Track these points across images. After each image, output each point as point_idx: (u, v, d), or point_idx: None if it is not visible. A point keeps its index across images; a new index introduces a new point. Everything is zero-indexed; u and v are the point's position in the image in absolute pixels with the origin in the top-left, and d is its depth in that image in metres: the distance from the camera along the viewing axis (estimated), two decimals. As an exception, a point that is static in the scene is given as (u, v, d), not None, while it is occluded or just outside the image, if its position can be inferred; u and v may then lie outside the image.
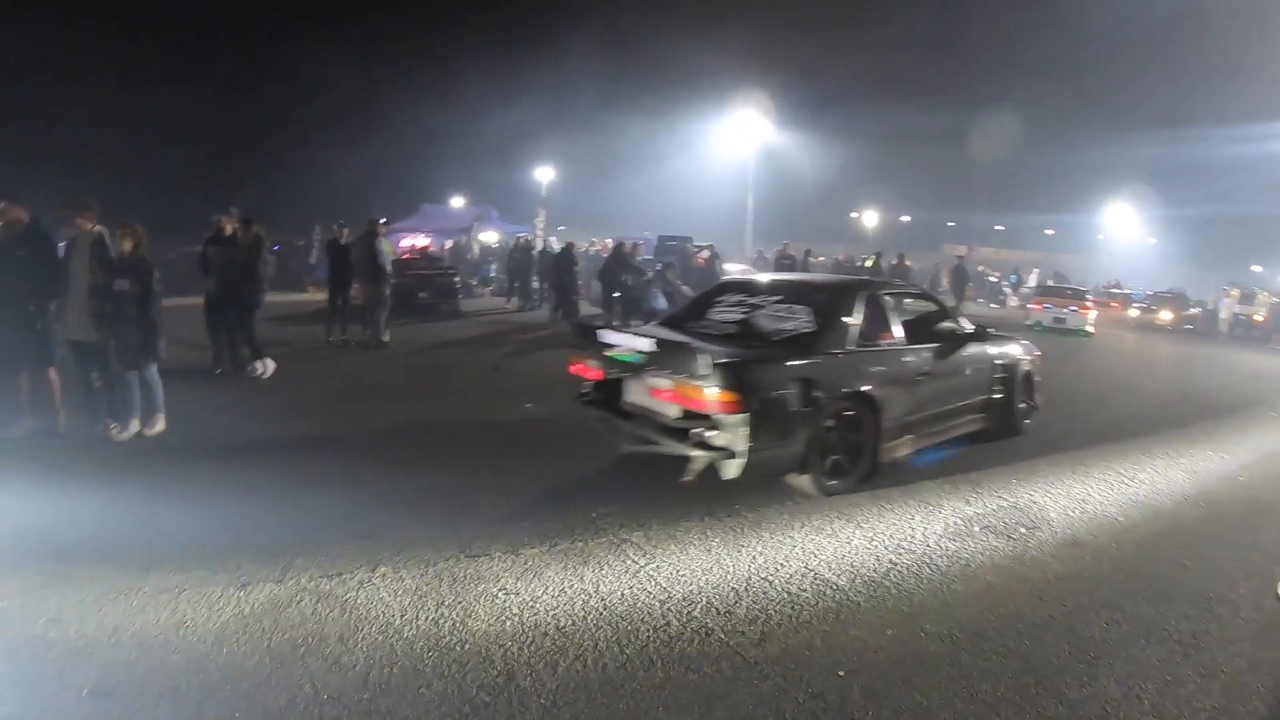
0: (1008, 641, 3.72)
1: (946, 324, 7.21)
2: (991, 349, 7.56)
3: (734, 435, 5.03)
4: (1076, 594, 4.25)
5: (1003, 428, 7.64)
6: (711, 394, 4.99)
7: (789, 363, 5.40)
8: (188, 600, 3.89)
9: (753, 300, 6.40)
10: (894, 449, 6.09)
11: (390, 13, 75.37)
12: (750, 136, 35.71)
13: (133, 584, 4.04)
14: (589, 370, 6.13)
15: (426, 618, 3.79)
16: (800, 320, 5.91)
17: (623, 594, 4.07)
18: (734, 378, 5.00)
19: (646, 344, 5.43)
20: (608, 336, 5.90)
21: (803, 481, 5.53)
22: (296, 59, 67.94)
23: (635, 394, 5.84)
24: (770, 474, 5.37)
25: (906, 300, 7.44)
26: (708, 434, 5.13)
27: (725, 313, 6.38)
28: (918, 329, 6.93)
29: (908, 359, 6.32)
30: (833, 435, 5.60)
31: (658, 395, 5.49)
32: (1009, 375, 7.70)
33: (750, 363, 5.25)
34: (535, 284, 21.22)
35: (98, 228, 6.87)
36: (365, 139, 57.89)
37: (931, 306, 7.62)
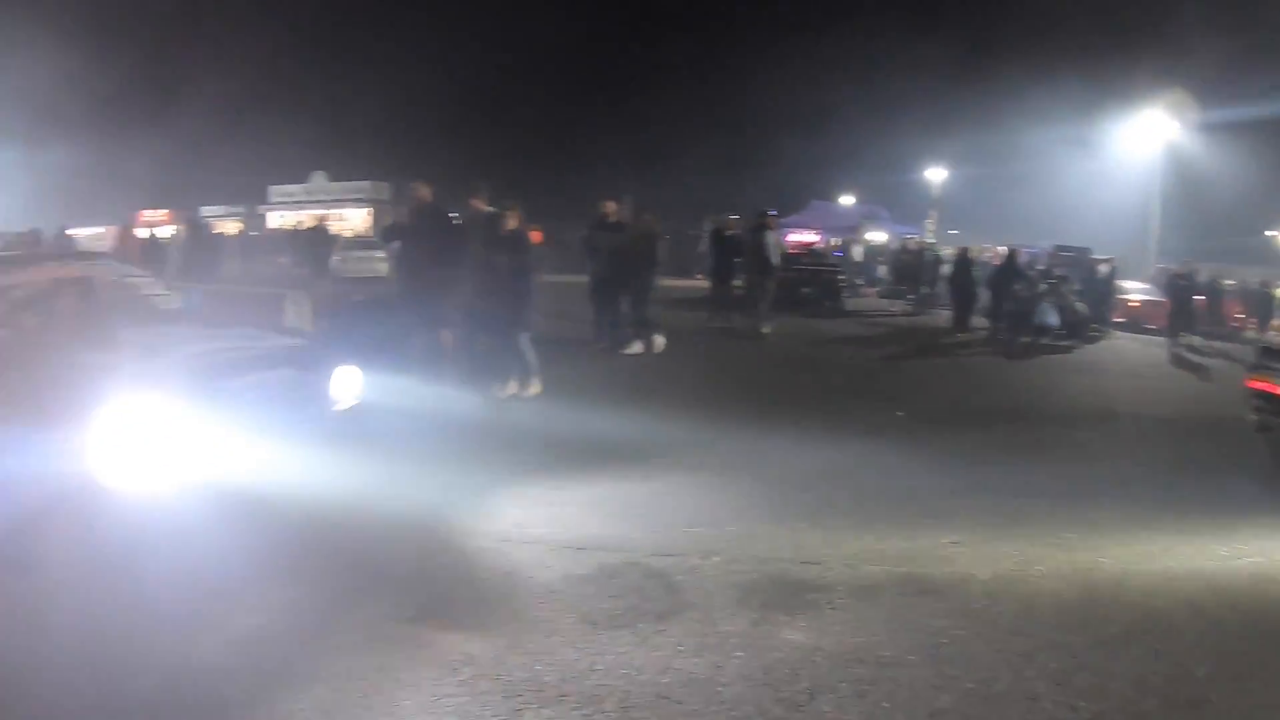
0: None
1: None
2: None
3: None
4: None
5: None
6: None
7: None
8: (524, 551, 4.18)
9: None
10: None
11: (794, 12, 76.01)
12: (1158, 139, 30.23)
13: (468, 531, 4.43)
14: (1277, 387, 6.84)
15: (746, 616, 3.61)
16: None
17: (955, 635, 3.54)
18: None
19: None
20: None
21: None
22: (701, 58, 71.35)
23: None
24: None
25: None
26: None
27: None
28: None
29: None
30: None
31: None
32: None
33: None
34: (925, 289, 20.14)
35: (489, 208, 7.66)
36: (765, 134, 58.95)
37: None
